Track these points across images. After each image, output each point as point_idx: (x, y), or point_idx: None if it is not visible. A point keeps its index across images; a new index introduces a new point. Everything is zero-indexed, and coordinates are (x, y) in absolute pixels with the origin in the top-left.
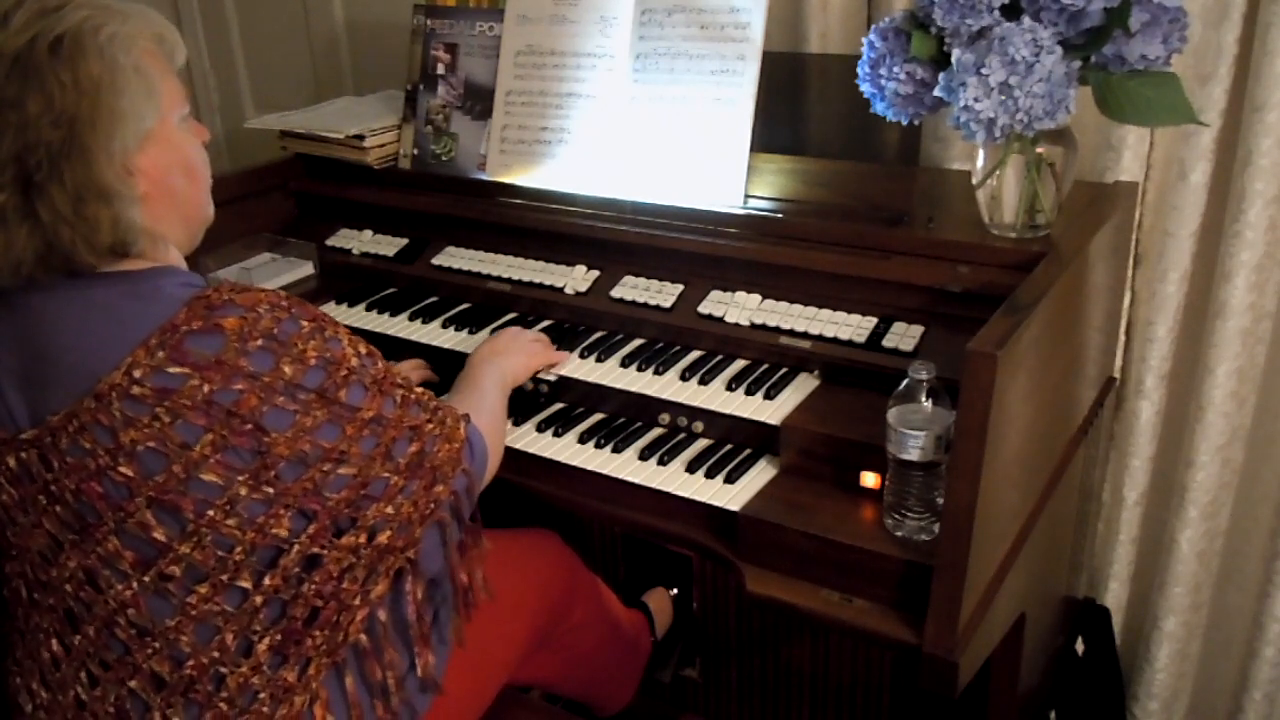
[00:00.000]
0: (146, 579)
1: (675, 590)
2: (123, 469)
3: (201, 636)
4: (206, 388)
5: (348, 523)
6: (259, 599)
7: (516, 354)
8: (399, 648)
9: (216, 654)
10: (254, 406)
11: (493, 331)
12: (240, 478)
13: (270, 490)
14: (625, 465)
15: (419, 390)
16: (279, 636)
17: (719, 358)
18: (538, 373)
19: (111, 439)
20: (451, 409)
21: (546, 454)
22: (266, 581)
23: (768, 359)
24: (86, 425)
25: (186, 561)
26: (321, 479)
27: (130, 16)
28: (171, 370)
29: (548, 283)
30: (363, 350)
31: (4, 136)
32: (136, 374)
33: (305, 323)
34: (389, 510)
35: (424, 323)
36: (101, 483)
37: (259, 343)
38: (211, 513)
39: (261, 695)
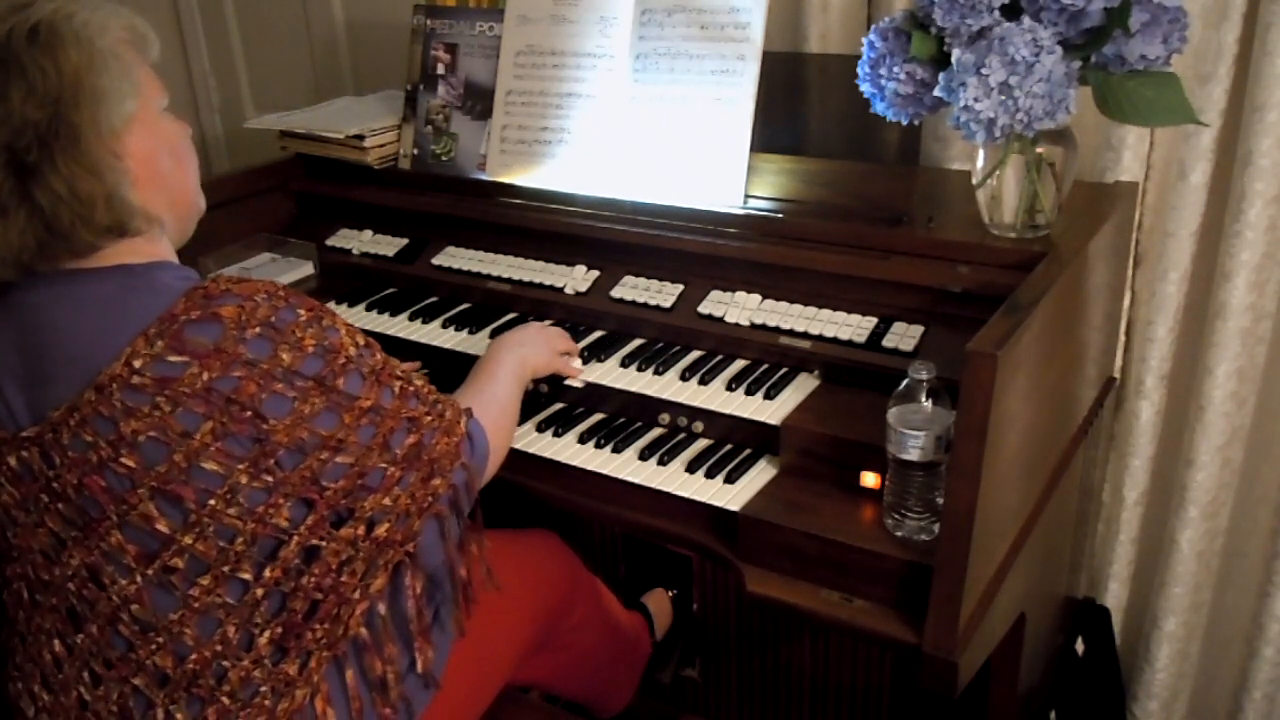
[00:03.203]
0: (150, 572)
1: (675, 591)
2: (124, 460)
3: (204, 630)
4: (206, 375)
5: (346, 513)
6: (259, 591)
7: (540, 346)
8: (398, 642)
9: (219, 647)
10: (253, 394)
11: (493, 333)
12: (240, 466)
13: (269, 479)
14: (625, 465)
15: (418, 382)
16: (280, 630)
17: (719, 358)
18: (557, 376)
19: (113, 430)
20: (453, 402)
21: (546, 454)
22: (267, 573)
23: (768, 359)
24: (88, 418)
25: (189, 553)
26: (319, 467)
27: (99, 7)
28: (171, 359)
29: (548, 283)
30: (360, 341)
31: None
32: (136, 364)
33: (302, 311)
34: (386, 502)
35: (424, 323)
36: (104, 475)
37: (256, 330)
38: (213, 502)
39: (263, 689)
